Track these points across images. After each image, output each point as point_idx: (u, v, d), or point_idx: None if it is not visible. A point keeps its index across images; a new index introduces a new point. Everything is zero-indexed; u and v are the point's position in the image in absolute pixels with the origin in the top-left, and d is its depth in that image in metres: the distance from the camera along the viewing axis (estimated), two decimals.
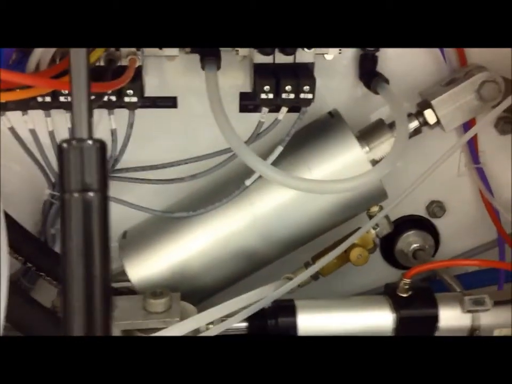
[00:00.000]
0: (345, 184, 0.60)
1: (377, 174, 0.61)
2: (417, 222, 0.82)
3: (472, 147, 0.77)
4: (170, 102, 0.72)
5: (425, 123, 0.69)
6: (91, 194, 0.34)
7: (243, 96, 0.73)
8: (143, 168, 0.69)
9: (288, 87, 0.62)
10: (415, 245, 0.81)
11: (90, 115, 0.34)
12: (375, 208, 0.71)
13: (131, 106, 0.64)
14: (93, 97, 0.56)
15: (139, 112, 0.66)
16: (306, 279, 0.69)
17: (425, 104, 0.69)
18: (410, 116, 0.69)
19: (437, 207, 0.81)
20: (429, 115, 0.68)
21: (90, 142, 0.35)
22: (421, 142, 0.73)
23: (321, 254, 0.73)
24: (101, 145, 0.36)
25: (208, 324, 0.62)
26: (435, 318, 0.66)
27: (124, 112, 0.64)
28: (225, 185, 0.69)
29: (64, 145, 0.35)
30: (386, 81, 0.69)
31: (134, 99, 0.63)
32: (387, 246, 0.82)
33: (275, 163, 0.65)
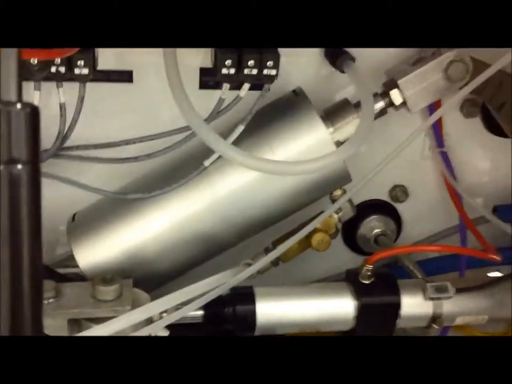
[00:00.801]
0: (308, 166, 0.57)
1: (342, 156, 0.58)
2: (379, 207, 0.80)
3: (437, 130, 0.76)
4: (125, 77, 0.67)
5: (390, 104, 0.66)
6: (19, 167, 0.30)
7: (203, 71, 0.69)
8: (95, 146, 0.65)
9: (250, 62, 0.58)
10: (377, 230, 0.79)
11: (20, 75, 0.29)
12: (338, 192, 0.69)
13: (82, 79, 0.59)
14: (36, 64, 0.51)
15: (92, 86, 0.61)
16: (266, 265, 0.66)
17: (391, 83, 0.66)
18: (376, 96, 0.66)
19: (400, 191, 0.80)
20: (395, 95, 0.65)
21: (19, 105, 0.31)
22: (385, 124, 0.71)
23: (282, 239, 0.71)
24: (32, 110, 0.31)
25: (161, 313, 0.58)
26: (397, 305, 0.65)
27: (76, 86, 0.60)
28: (183, 166, 0.65)
29: None
30: (353, 59, 0.66)
31: (85, 71, 0.58)
32: (349, 231, 0.80)
33: (236, 143, 0.62)
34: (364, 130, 0.60)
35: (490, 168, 0.80)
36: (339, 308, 0.63)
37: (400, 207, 0.81)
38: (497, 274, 0.79)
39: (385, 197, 0.81)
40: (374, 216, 0.79)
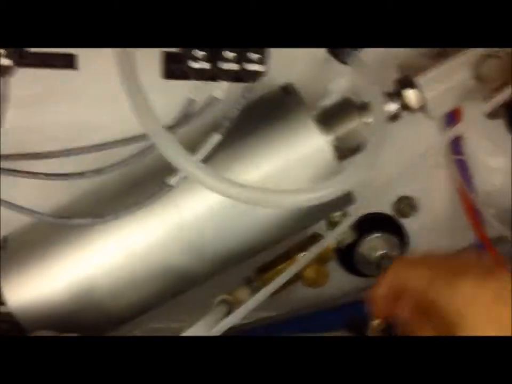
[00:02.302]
0: (306, 196, 0.44)
1: (351, 181, 0.45)
2: (382, 222, 0.67)
3: None
4: (66, 62, 0.52)
5: (405, 107, 0.53)
6: None
7: (169, 57, 0.54)
8: (24, 157, 0.50)
9: (230, 54, 0.44)
10: (380, 252, 0.66)
11: None
12: (337, 213, 0.56)
13: (5, 70, 0.45)
14: None
15: (21, 74, 0.46)
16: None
17: (406, 81, 0.53)
18: (387, 96, 0.53)
19: (406, 205, 0.67)
20: (412, 96, 0.52)
21: None
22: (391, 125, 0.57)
23: (267, 268, 0.58)
24: None
25: None
26: None
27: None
28: (142, 183, 0.52)
29: None
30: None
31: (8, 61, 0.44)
32: (345, 251, 0.67)
33: (210, 157, 0.49)
34: (378, 142, 0.47)
35: None
36: None
37: (406, 222, 0.68)
38: None
39: (388, 210, 0.68)
40: (376, 234, 0.67)
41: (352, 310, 0.66)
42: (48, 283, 0.52)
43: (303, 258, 0.51)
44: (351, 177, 0.44)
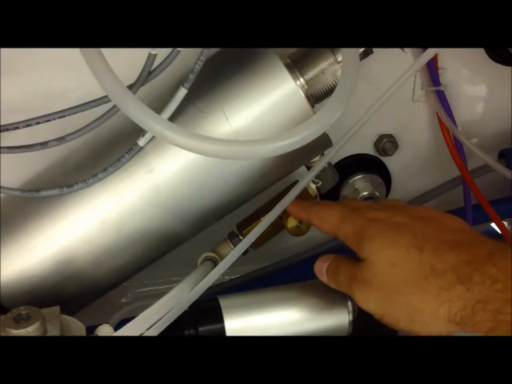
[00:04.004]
0: (280, 143, 0.42)
1: (323, 124, 0.43)
2: (364, 163, 0.66)
3: (432, 65, 0.60)
4: None
5: None
6: None
7: None
8: None
9: None
10: (363, 193, 0.65)
11: None
12: (315, 158, 0.54)
13: None
14: None
15: None
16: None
17: None
18: None
19: (388, 143, 0.65)
20: None
21: None
22: (366, 61, 0.55)
23: (249, 222, 0.56)
24: None
25: None
26: None
27: None
28: (109, 147, 0.49)
29: None
30: None
31: None
32: (328, 195, 0.66)
33: (178, 113, 0.46)
34: (350, 81, 0.44)
35: (495, 107, 0.66)
36: (331, 313, 0.49)
37: (388, 161, 0.66)
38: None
39: (370, 150, 0.66)
40: (359, 176, 0.65)
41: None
42: (25, 258, 0.50)
43: (282, 203, 0.49)
44: (324, 119, 0.42)
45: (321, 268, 0.48)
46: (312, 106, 0.50)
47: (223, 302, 0.48)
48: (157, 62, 0.46)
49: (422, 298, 0.39)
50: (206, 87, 0.48)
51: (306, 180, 0.50)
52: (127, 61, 0.44)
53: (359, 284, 0.43)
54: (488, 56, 0.62)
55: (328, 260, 0.48)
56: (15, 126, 0.46)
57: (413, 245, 0.41)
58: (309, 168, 0.56)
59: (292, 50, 0.51)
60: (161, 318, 0.45)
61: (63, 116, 0.47)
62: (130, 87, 0.46)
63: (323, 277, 0.48)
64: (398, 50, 0.53)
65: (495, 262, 0.38)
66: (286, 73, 0.47)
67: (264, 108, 0.48)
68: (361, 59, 0.50)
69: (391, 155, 0.66)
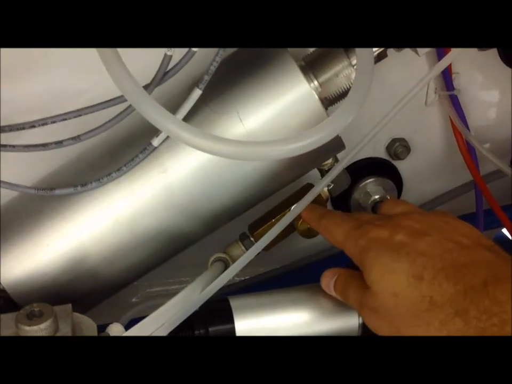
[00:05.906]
0: (293, 145, 0.42)
1: (337, 126, 0.43)
2: (376, 166, 0.66)
3: (445, 69, 0.60)
4: None
5: None
6: None
7: None
8: (1, 129, 0.48)
9: None
10: (375, 197, 0.65)
11: None
12: (327, 161, 0.54)
13: None
14: None
15: None
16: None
17: None
18: None
19: (400, 146, 0.65)
20: None
21: None
22: (380, 66, 0.55)
23: (260, 223, 0.56)
24: None
25: None
26: None
27: None
28: (124, 147, 0.50)
29: None
30: None
31: None
32: (339, 199, 0.66)
33: (192, 114, 0.46)
34: (364, 83, 0.44)
35: (508, 112, 0.66)
36: (341, 315, 0.49)
37: (400, 165, 0.66)
38: None
39: (382, 154, 0.66)
40: (371, 179, 0.65)
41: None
42: (39, 255, 0.51)
43: (295, 208, 0.49)
44: (338, 122, 0.42)
45: (329, 284, 0.48)
46: (326, 109, 0.50)
47: (234, 303, 0.48)
48: (172, 63, 0.46)
49: (426, 330, 0.40)
50: (221, 88, 0.48)
51: (322, 185, 0.50)
52: (142, 61, 0.44)
53: (370, 311, 0.44)
54: (502, 61, 0.62)
55: (335, 274, 0.48)
56: (31, 125, 0.47)
57: (412, 274, 0.41)
58: (320, 170, 0.56)
59: (306, 52, 0.51)
60: (172, 318, 0.46)
61: (79, 115, 0.47)
62: (145, 87, 0.47)
63: (331, 292, 0.48)
64: (411, 54, 0.53)
65: (489, 293, 0.38)
66: (300, 76, 0.48)
67: (278, 110, 0.48)
68: (375, 63, 0.50)
69: (403, 159, 0.66)
